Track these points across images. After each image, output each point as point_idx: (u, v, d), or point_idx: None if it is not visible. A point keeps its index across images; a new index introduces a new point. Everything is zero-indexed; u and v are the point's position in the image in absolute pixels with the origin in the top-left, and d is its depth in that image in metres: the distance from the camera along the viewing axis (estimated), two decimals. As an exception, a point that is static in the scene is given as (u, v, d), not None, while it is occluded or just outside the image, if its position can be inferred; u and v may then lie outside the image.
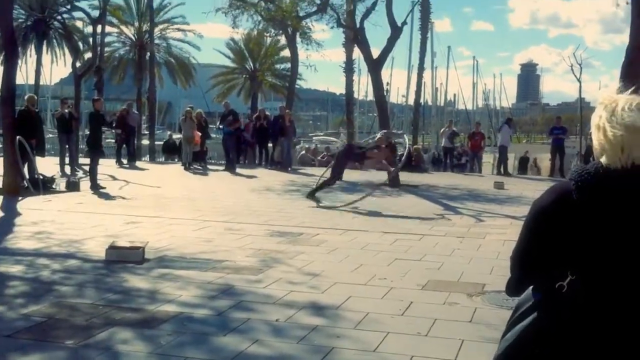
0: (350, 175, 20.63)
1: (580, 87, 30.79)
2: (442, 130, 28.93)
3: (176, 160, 27.69)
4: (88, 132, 19.35)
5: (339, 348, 5.28)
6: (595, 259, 2.23)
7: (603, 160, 2.28)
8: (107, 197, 15.00)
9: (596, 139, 2.31)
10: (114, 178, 18.65)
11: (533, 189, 17.26)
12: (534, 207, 2.37)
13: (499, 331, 2.55)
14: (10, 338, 5.38)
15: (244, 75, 49.53)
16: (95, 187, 16.05)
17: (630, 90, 2.33)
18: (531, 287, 2.44)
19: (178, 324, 5.81)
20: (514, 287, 2.49)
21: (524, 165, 30.05)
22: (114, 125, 22.34)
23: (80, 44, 40.38)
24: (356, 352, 5.22)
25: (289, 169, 23.55)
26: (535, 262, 2.37)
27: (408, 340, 5.51)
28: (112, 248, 8.27)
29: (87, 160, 17.77)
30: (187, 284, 7.16)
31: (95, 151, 16.91)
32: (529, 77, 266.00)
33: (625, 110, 2.24)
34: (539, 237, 2.33)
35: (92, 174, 16.38)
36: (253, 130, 25.16)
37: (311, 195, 14.54)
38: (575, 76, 29.99)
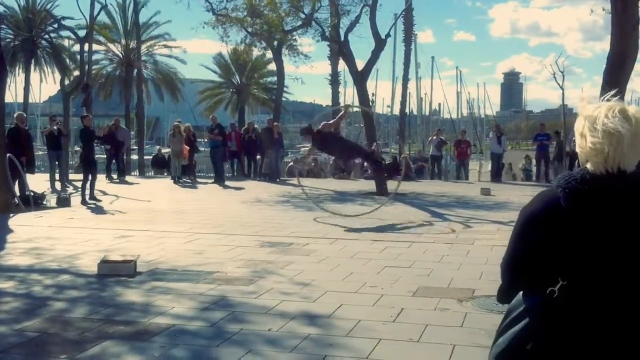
0: (338, 185, 20.77)
1: (563, 94, 31.02)
2: (430, 139, 29.07)
3: (166, 174, 27.70)
4: (78, 149, 19.43)
5: (332, 356, 5.32)
6: (585, 263, 2.26)
7: (589, 166, 2.32)
8: (98, 212, 15.00)
9: (580, 146, 2.35)
10: (104, 193, 18.61)
11: (520, 195, 17.39)
12: (522, 215, 2.40)
13: (491, 336, 2.58)
14: (4, 354, 5.39)
15: (231, 90, 49.68)
16: (93, 198, 16.39)
17: (610, 95, 2.36)
18: (522, 293, 2.46)
19: (171, 336, 5.83)
20: (505, 295, 2.51)
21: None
22: (103, 140, 22.36)
23: (69, 62, 40.42)
24: (350, 359, 5.27)
25: (278, 180, 23.64)
26: (526, 269, 2.38)
27: (400, 346, 5.56)
28: (105, 262, 8.30)
29: (78, 177, 17.79)
30: (179, 296, 7.19)
31: (89, 167, 16.95)
32: (512, 85, 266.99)
33: (608, 117, 2.27)
34: (529, 244, 2.36)
35: (89, 188, 16.55)
36: (241, 142, 25.27)
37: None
38: (558, 84, 30.04)
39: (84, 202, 16.12)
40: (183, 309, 6.72)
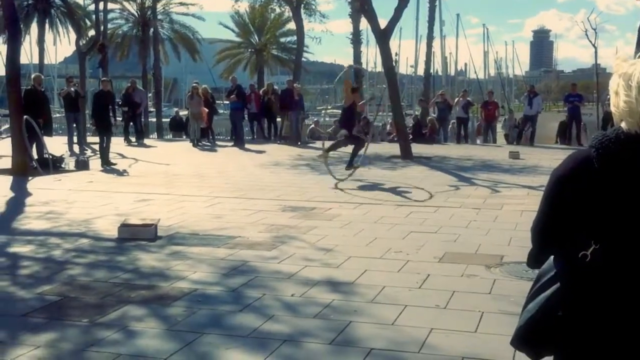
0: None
1: (595, 52, 30.22)
2: (456, 100, 28.44)
3: (184, 137, 27.57)
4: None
5: (356, 322, 5.22)
6: (618, 226, 2.16)
7: (623, 125, 2.21)
8: (116, 175, 14.95)
9: (614, 104, 2.25)
10: (122, 156, 18.57)
11: (549, 158, 17.07)
12: (553, 177, 2.31)
13: (520, 303, 2.48)
14: (25, 317, 5.37)
15: (250, 50, 49.23)
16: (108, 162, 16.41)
17: None
18: (552, 258, 2.37)
19: (192, 301, 5.75)
20: (535, 259, 2.44)
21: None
22: (119, 103, 22.23)
23: (84, 21, 40.14)
24: (374, 326, 5.15)
25: (299, 143, 23.42)
26: (557, 233, 2.31)
27: (426, 313, 5.45)
28: (124, 226, 8.21)
29: (96, 139, 17.86)
30: (200, 260, 7.10)
31: (109, 130, 17.13)
32: (541, 43, 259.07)
33: None
34: (560, 206, 2.27)
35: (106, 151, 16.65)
36: (260, 104, 24.95)
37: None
38: (590, 41, 29.07)
39: (105, 164, 16.16)
40: (204, 273, 6.63)
